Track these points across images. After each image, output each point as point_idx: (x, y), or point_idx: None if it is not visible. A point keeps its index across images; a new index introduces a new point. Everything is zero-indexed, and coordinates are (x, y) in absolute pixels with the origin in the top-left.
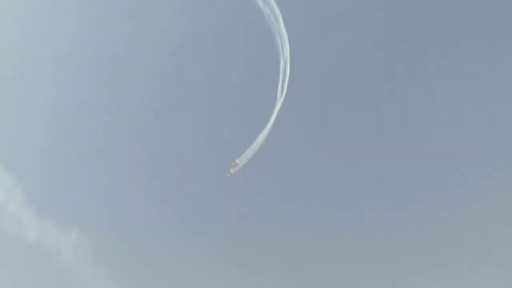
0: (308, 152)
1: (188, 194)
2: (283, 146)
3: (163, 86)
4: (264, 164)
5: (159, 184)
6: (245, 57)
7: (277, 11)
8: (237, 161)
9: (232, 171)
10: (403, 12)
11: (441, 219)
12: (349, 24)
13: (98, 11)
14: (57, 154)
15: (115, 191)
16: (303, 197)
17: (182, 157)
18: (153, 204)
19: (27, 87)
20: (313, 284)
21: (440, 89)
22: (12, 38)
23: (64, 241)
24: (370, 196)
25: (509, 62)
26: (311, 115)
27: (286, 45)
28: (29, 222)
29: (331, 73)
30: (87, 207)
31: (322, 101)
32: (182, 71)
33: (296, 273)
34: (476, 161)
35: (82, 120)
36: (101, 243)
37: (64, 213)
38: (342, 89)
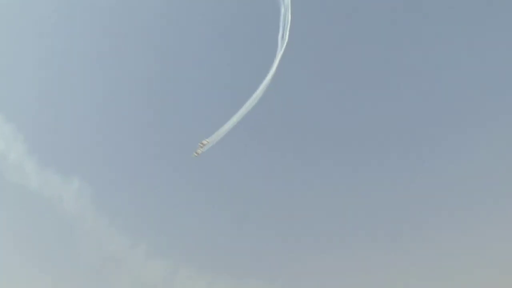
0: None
1: (187, 144)
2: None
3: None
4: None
5: (159, 133)
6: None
7: None
8: (204, 141)
9: (199, 151)
10: None
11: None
12: None
13: None
14: (57, 102)
15: (116, 140)
16: (306, 149)
17: (184, 97)
18: (154, 153)
19: (26, 31)
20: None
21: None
22: None
23: (65, 190)
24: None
25: None
26: (313, 62)
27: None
28: (30, 172)
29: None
30: (88, 156)
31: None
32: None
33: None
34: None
35: (82, 70)
36: (102, 192)
37: (66, 162)
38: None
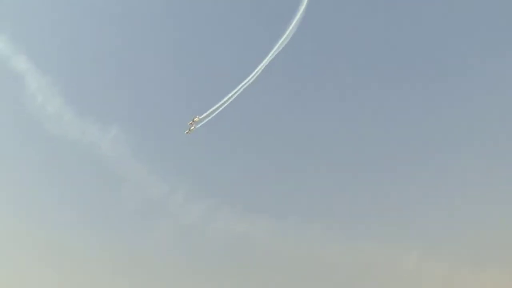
0: None
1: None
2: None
3: None
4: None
5: (194, 81)
6: None
7: None
8: (196, 118)
9: (192, 128)
10: None
11: None
12: None
13: None
14: (93, 52)
15: (152, 88)
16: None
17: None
18: (189, 99)
19: None
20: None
21: None
22: None
23: (104, 138)
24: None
25: None
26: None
27: None
28: (69, 122)
29: None
30: (126, 104)
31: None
32: None
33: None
34: None
35: (117, 23)
36: (141, 140)
37: (104, 111)
38: None
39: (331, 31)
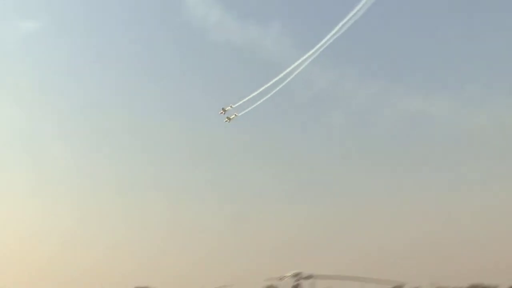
0: None
1: None
2: None
3: None
4: None
5: None
6: None
7: None
8: (227, 108)
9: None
10: None
11: None
12: None
13: None
14: None
15: None
16: None
17: None
18: None
19: None
20: None
21: None
22: None
23: (266, 36)
24: None
25: None
26: None
27: None
28: (232, 27)
29: None
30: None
31: None
32: None
33: None
34: None
35: None
36: (302, 33)
37: (263, 11)
38: None
39: None
